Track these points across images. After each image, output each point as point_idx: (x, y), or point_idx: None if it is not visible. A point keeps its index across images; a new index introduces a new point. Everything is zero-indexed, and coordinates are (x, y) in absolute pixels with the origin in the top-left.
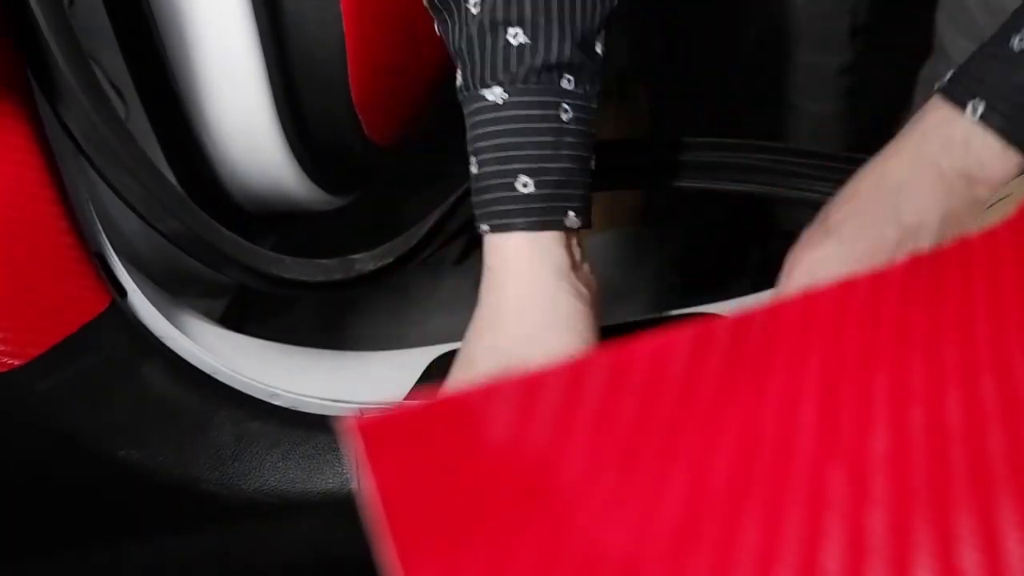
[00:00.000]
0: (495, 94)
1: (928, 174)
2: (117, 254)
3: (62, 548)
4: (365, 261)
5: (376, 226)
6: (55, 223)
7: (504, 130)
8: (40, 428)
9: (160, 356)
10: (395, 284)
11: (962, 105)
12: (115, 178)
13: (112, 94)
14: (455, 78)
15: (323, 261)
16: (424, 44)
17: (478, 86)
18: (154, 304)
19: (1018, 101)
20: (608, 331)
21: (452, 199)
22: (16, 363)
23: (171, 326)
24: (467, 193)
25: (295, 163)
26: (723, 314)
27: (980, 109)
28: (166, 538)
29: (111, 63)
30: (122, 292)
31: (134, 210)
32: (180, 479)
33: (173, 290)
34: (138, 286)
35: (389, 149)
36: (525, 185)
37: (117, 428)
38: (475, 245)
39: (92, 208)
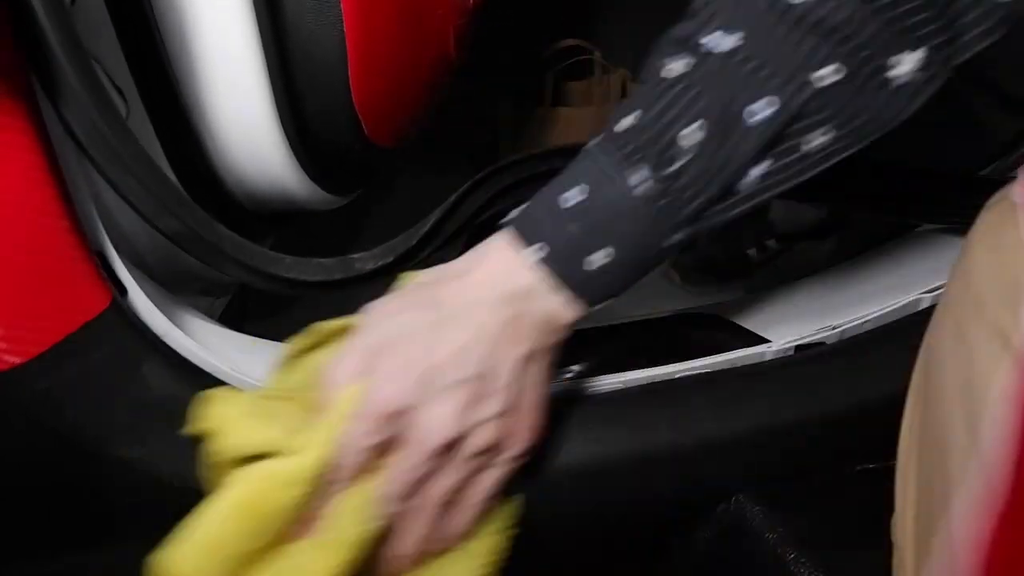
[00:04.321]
0: None
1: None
2: (118, 252)
3: (61, 547)
4: (365, 260)
5: (376, 226)
6: (56, 221)
7: None
8: (40, 426)
9: (161, 354)
10: (395, 283)
11: (528, 245)
12: (116, 177)
13: (113, 93)
14: (455, 78)
15: (323, 260)
16: (425, 44)
17: None
18: (155, 302)
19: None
20: (608, 331)
21: (452, 199)
22: (17, 361)
23: (172, 324)
24: (467, 193)
25: (295, 162)
26: (722, 314)
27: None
28: (166, 537)
29: (112, 62)
30: (123, 290)
31: (135, 208)
32: (180, 478)
33: (174, 289)
34: (139, 284)
35: (389, 149)
36: None
37: (117, 426)
38: (475, 245)
39: (93, 206)
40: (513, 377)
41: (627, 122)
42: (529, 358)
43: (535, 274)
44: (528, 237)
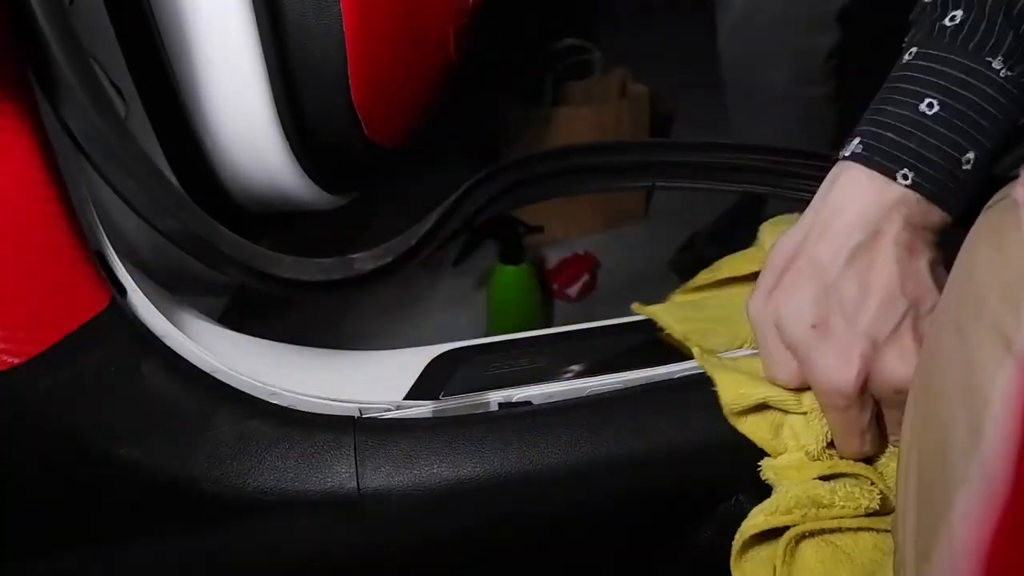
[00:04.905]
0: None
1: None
2: (117, 253)
3: (61, 547)
4: (364, 261)
5: (376, 226)
6: (55, 221)
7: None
8: (40, 426)
9: (160, 354)
10: (394, 284)
11: (890, 175)
12: (115, 177)
13: (113, 93)
14: (456, 78)
15: (322, 260)
16: (425, 44)
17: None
18: (154, 303)
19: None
20: (608, 331)
21: (452, 199)
22: (16, 361)
23: (171, 325)
24: (467, 193)
25: (295, 162)
26: None
27: (911, 177)
28: (165, 537)
29: (112, 62)
30: (122, 291)
31: (134, 209)
32: (179, 477)
33: (173, 289)
34: (138, 285)
35: (389, 149)
36: None
37: (116, 426)
38: (474, 245)
39: (92, 206)
40: (929, 284)
41: (959, 17)
42: (933, 262)
43: (902, 209)
44: (888, 164)
